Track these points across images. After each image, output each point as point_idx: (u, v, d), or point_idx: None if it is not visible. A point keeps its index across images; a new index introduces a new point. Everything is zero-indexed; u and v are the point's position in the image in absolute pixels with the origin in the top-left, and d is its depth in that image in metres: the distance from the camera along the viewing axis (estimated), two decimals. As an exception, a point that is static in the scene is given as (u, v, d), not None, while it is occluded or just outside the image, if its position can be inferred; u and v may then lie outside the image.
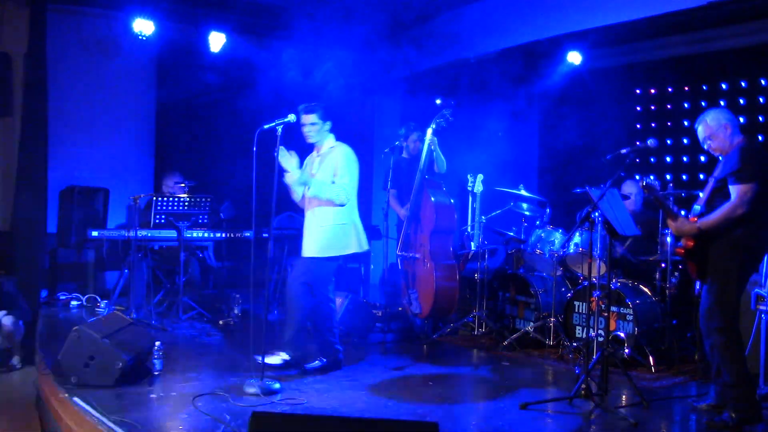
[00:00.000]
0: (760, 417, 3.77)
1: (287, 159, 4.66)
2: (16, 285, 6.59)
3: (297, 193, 4.93)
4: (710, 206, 3.97)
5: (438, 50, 8.20)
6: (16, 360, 6.20)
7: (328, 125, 4.82)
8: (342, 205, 4.69)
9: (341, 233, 4.77)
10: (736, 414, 3.72)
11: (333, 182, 4.72)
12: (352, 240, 4.81)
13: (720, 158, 4.08)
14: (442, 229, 6.03)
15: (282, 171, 4.68)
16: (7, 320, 6.14)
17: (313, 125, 4.77)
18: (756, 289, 4.48)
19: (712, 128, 4.01)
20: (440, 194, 6.07)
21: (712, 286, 3.88)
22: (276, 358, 4.78)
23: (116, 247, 6.77)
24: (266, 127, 4.34)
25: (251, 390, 4.20)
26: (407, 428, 3.00)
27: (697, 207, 4.09)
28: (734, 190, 3.80)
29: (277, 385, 4.29)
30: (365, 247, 4.93)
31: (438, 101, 6.13)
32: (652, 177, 4.27)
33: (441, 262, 5.98)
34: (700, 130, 4.07)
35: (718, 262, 3.88)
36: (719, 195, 3.90)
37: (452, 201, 6.15)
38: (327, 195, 4.67)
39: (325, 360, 4.85)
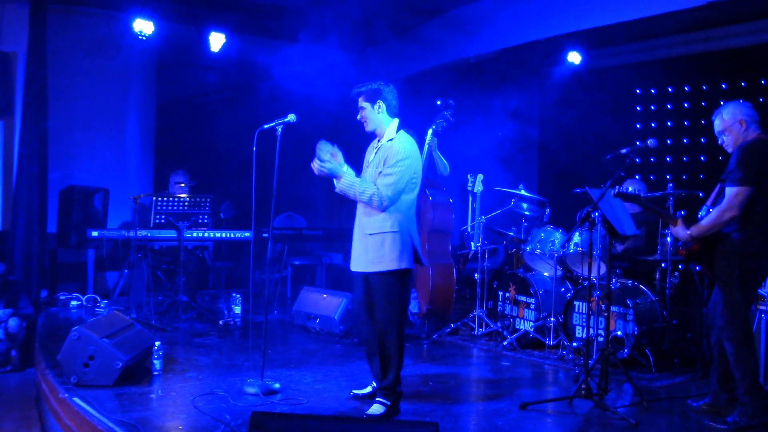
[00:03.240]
0: (766, 426, 3.72)
1: (325, 151, 3.93)
2: (20, 285, 6.62)
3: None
4: None
5: (438, 50, 8.20)
6: (16, 360, 6.21)
7: (380, 107, 4.00)
8: (382, 210, 3.87)
9: (388, 244, 3.90)
10: (742, 419, 3.70)
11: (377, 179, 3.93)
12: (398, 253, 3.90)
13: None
14: (440, 228, 6.05)
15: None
16: (14, 322, 6.18)
17: (362, 110, 4.04)
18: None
19: (727, 122, 3.87)
20: (438, 194, 6.09)
21: (719, 293, 3.83)
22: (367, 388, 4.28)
23: (116, 247, 6.78)
24: (266, 127, 4.29)
25: (251, 390, 4.20)
26: (407, 428, 3.01)
27: (702, 212, 4.01)
28: (727, 192, 3.73)
29: (277, 385, 4.29)
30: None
31: (438, 102, 6.05)
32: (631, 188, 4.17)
33: (437, 261, 6.00)
34: (717, 124, 3.94)
35: (720, 270, 3.82)
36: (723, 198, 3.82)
37: (450, 200, 6.17)
38: (358, 192, 3.85)
39: (388, 402, 3.94)
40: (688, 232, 3.89)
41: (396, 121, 4.06)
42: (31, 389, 5.39)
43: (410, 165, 3.91)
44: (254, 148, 4.24)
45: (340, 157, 3.96)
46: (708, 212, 3.94)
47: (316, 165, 3.90)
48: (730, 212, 3.70)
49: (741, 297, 3.75)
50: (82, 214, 7.51)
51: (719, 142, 4.00)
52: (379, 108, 4.00)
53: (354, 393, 4.27)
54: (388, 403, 3.91)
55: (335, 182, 3.91)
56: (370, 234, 3.92)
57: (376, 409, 3.90)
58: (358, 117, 4.08)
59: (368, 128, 4.07)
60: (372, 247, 3.91)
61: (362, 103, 4.03)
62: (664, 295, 5.34)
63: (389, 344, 3.95)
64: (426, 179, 6.08)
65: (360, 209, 4.03)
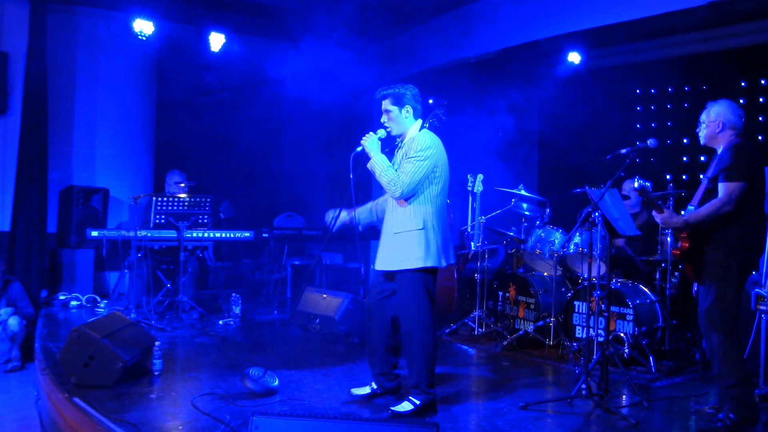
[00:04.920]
0: (757, 418, 3.77)
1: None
2: (21, 285, 6.62)
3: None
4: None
5: (437, 50, 8.21)
6: (16, 360, 6.22)
7: (407, 111, 4.02)
8: (396, 197, 3.91)
9: (414, 241, 3.92)
10: (735, 415, 3.72)
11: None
12: (423, 250, 3.91)
13: (716, 153, 4.07)
14: None
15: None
16: (14, 321, 6.18)
17: (386, 113, 4.04)
18: (756, 289, 4.48)
19: (710, 118, 4.06)
20: None
21: (710, 288, 3.87)
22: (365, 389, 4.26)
23: (116, 247, 6.78)
24: (359, 150, 4.04)
25: (250, 384, 4.18)
26: (407, 428, 3.00)
27: (690, 207, 4.07)
28: (722, 187, 3.83)
29: (275, 383, 4.28)
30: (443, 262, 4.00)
31: (430, 101, 6.04)
32: (640, 182, 4.18)
33: None
34: (703, 115, 4.11)
35: (714, 265, 3.87)
36: (713, 194, 3.89)
37: (448, 201, 6.16)
38: (380, 171, 3.92)
39: (417, 401, 3.92)
40: (684, 218, 3.94)
41: (419, 122, 4.09)
42: (31, 389, 5.38)
43: (430, 156, 3.91)
44: (351, 176, 4.05)
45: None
46: (696, 209, 3.98)
47: (368, 136, 4.01)
48: (729, 206, 3.79)
49: (735, 290, 3.82)
50: (82, 214, 7.52)
51: (697, 129, 4.14)
52: (407, 112, 4.02)
53: (352, 392, 4.25)
54: (418, 402, 3.89)
55: (372, 156, 3.98)
56: (396, 233, 3.96)
57: (402, 406, 3.89)
58: (383, 119, 4.06)
59: (394, 132, 4.08)
60: (398, 246, 3.94)
61: (388, 106, 4.02)
62: (664, 295, 5.34)
63: (414, 343, 3.93)
64: None
65: (387, 209, 4.08)
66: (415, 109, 4.05)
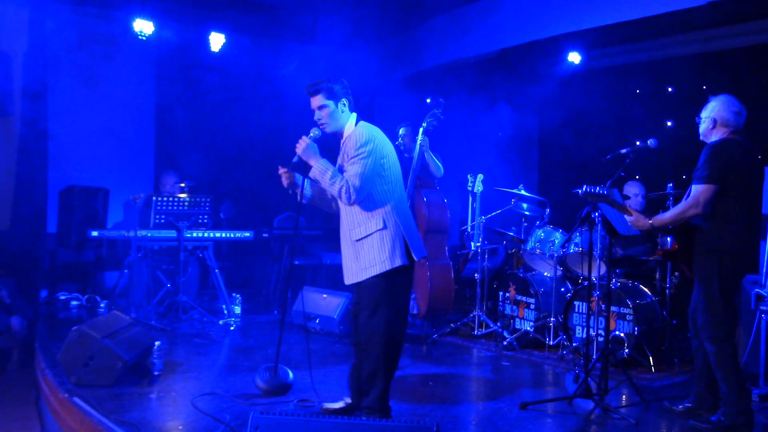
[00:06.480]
0: (751, 423, 3.73)
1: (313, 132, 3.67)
2: (17, 285, 6.62)
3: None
4: None
5: (438, 50, 8.21)
6: (16, 360, 6.22)
7: (343, 104, 3.64)
8: (350, 203, 3.54)
9: (377, 244, 3.55)
10: (726, 418, 3.71)
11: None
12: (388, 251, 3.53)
13: None
14: (436, 228, 6.05)
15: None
16: (15, 321, 6.19)
17: (322, 109, 3.62)
18: (756, 289, 4.48)
19: (708, 113, 3.96)
20: (433, 194, 6.09)
21: (698, 292, 3.86)
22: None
23: (116, 247, 6.78)
24: (295, 160, 3.69)
25: (261, 385, 4.19)
26: (407, 428, 3.00)
27: None
28: (693, 189, 3.77)
29: (291, 376, 4.29)
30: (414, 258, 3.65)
31: (428, 100, 6.03)
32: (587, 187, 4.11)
33: (435, 262, 6.00)
34: (703, 110, 4.02)
35: (700, 269, 3.83)
36: None
37: (445, 200, 6.17)
38: (327, 180, 3.54)
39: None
40: (650, 221, 3.92)
41: (354, 116, 3.71)
42: (31, 389, 5.38)
43: (372, 150, 3.53)
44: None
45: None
46: None
47: (301, 142, 3.63)
48: (694, 209, 3.74)
49: (720, 295, 3.74)
50: (82, 214, 7.53)
51: (696, 118, 4.04)
52: (343, 106, 3.65)
53: (325, 406, 3.91)
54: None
55: (313, 164, 3.60)
56: (358, 240, 3.58)
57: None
58: (317, 117, 3.66)
59: (330, 129, 3.67)
60: (362, 254, 3.57)
61: (323, 101, 3.61)
62: (664, 295, 5.35)
63: (372, 356, 3.53)
64: (420, 179, 6.09)
65: (343, 216, 3.70)
66: (350, 102, 3.68)
